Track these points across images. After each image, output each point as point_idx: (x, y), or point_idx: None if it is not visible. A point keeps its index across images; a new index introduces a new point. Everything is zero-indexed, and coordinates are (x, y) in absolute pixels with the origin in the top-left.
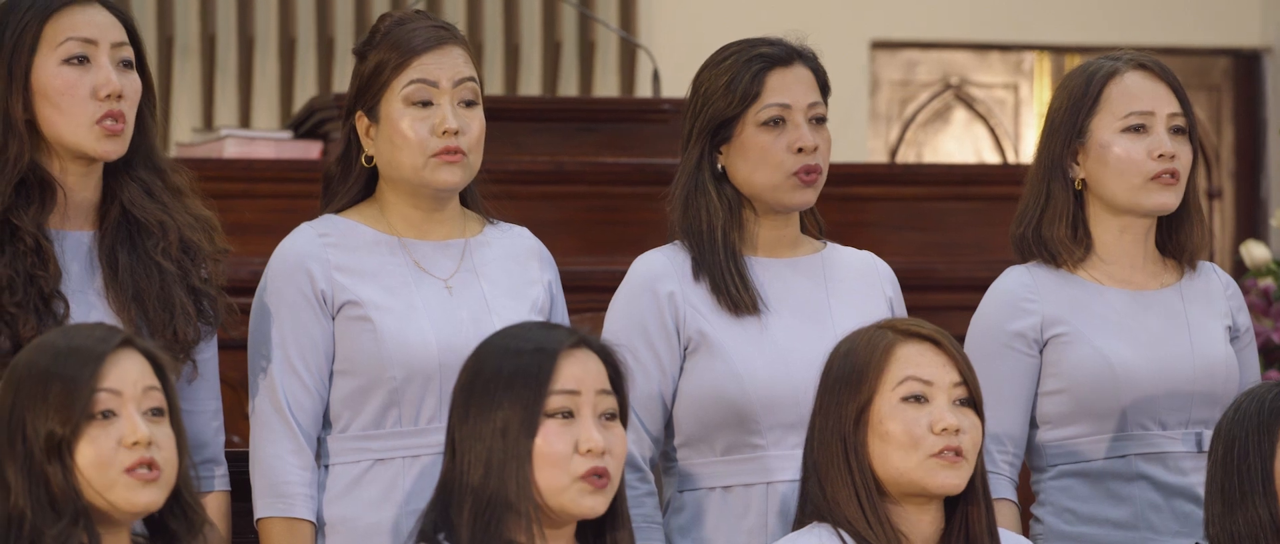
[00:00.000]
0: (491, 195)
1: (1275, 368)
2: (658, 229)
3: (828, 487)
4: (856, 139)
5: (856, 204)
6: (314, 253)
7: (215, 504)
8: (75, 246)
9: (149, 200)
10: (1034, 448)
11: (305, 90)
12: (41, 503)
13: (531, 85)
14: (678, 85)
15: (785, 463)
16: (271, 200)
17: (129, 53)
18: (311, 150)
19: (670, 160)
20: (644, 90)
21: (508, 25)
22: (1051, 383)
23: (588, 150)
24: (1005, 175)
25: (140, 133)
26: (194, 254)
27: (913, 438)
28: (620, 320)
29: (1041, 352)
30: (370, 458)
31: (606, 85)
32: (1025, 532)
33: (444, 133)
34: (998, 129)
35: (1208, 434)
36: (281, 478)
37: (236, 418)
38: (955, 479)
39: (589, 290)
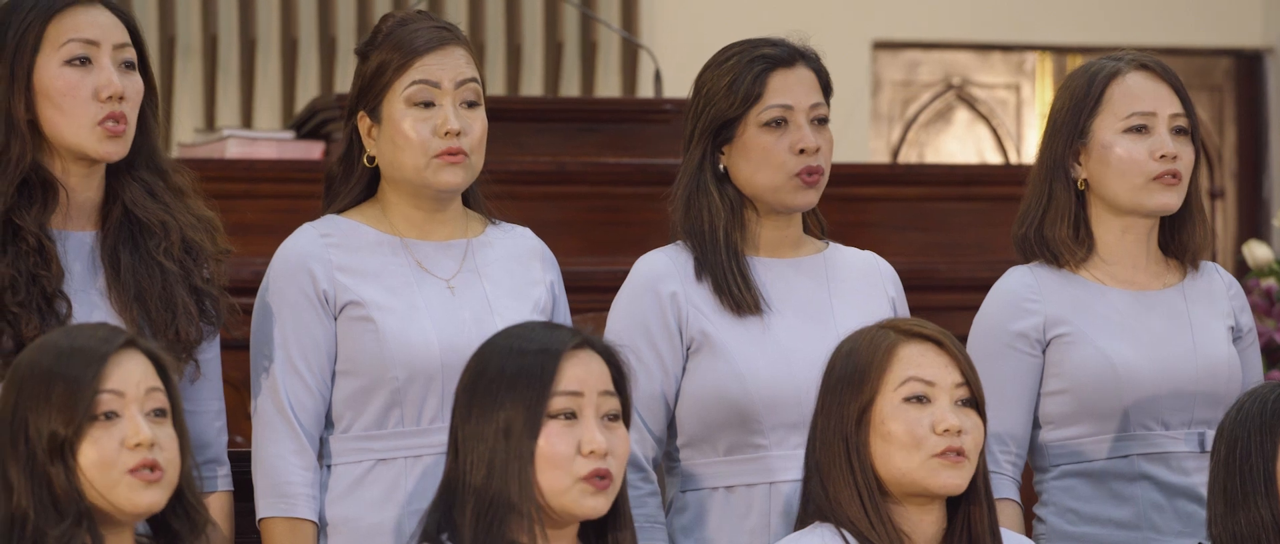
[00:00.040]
0: (494, 196)
1: (1278, 368)
2: (660, 229)
3: (830, 487)
4: (858, 139)
5: (858, 204)
6: (316, 253)
7: (218, 504)
8: (78, 247)
9: (151, 201)
10: (1036, 448)
11: (307, 91)
12: (44, 504)
13: (533, 85)
14: (680, 86)
15: (788, 463)
16: (273, 201)
17: (131, 54)
18: (313, 151)
19: (672, 161)
20: (646, 91)
21: (510, 25)
22: (1054, 383)
23: (590, 150)
24: (1007, 176)
25: (142, 133)
26: (196, 254)
27: (915, 438)
28: (623, 320)
29: (1044, 352)
30: (372, 458)
31: (608, 86)
32: (1028, 532)
33: (446, 134)
34: (1000, 129)
35: (1210, 434)
36: (283, 478)
37: (239, 418)
38: (957, 479)
39: (591, 290)
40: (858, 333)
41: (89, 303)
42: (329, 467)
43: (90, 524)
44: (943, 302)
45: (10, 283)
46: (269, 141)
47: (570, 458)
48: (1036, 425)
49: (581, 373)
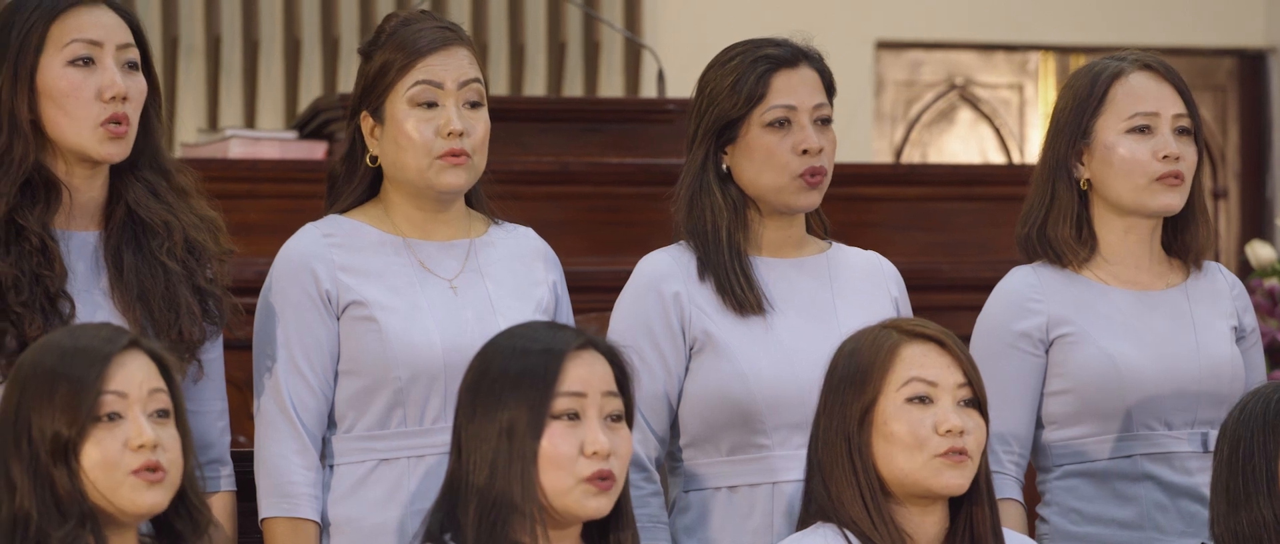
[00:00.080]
0: (496, 195)
1: None
2: (663, 229)
3: (832, 486)
4: (861, 139)
5: (861, 204)
6: (319, 253)
7: (221, 504)
8: (81, 247)
9: (154, 201)
10: (1039, 448)
11: (310, 91)
12: (47, 505)
13: (536, 85)
14: (683, 86)
15: (791, 463)
16: (276, 201)
17: (134, 54)
18: (316, 151)
19: (675, 160)
20: (649, 90)
21: (513, 25)
22: (1057, 383)
23: (593, 150)
24: (1010, 175)
25: (146, 134)
26: (199, 254)
27: (917, 439)
28: (625, 321)
29: (1047, 352)
30: (375, 458)
31: (611, 85)
32: (1031, 532)
33: (449, 134)
34: (1003, 129)
35: (1213, 434)
36: (286, 478)
37: (242, 418)
38: (960, 480)
39: (594, 290)
40: (860, 333)
41: (92, 303)
42: (331, 467)
43: (93, 525)
44: (946, 301)
45: (13, 283)
46: (272, 141)
47: (573, 459)
48: (1039, 425)
49: (585, 374)
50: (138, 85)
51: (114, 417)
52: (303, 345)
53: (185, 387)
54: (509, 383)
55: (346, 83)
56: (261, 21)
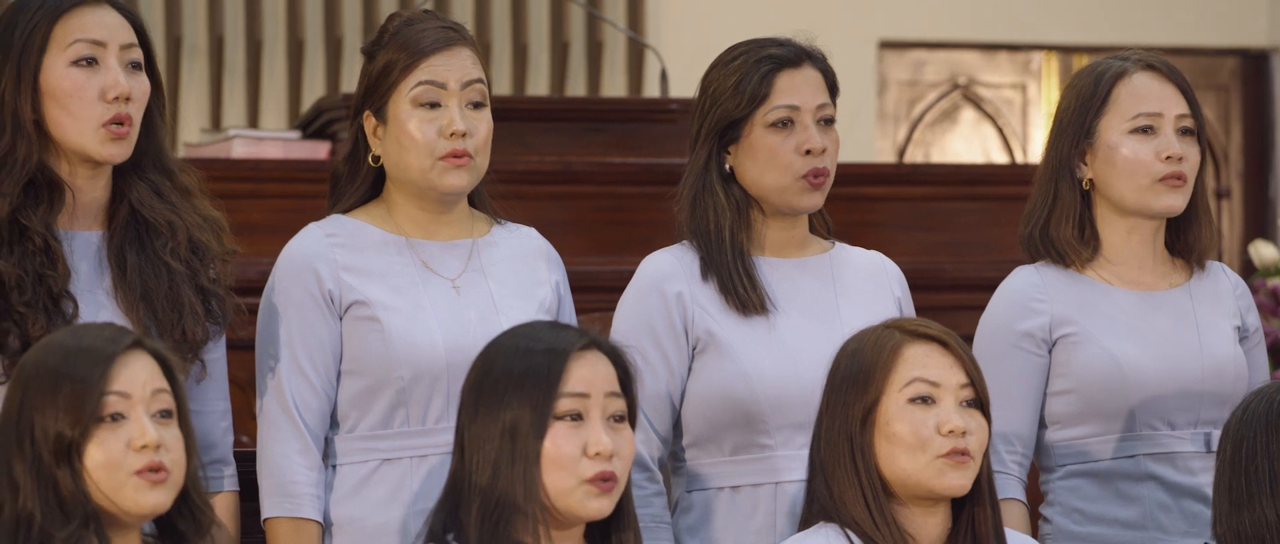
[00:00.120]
0: (499, 195)
1: None
2: (666, 229)
3: (834, 486)
4: (864, 139)
5: (864, 204)
6: (321, 253)
7: (224, 504)
8: (84, 246)
9: (158, 200)
10: (1043, 448)
11: (313, 91)
12: (51, 505)
13: (539, 85)
14: (686, 85)
15: (793, 463)
16: (279, 200)
17: (138, 54)
18: (319, 150)
19: (678, 160)
20: (652, 90)
21: (516, 25)
22: (1060, 383)
23: (596, 150)
24: (1013, 175)
25: (149, 134)
26: (202, 254)
27: (920, 439)
28: (628, 320)
29: (1050, 352)
30: (378, 458)
31: (614, 85)
32: (1034, 532)
33: (451, 135)
34: (1006, 129)
35: (1216, 434)
36: (288, 478)
37: (245, 418)
38: (962, 481)
39: (597, 290)
40: (863, 332)
41: (95, 303)
42: (334, 466)
43: (97, 526)
44: (949, 301)
45: (17, 283)
46: (275, 141)
47: (576, 459)
48: (1043, 425)
49: (588, 374)
50: (141, 85)
51: (117, 417)
52: (305, 345)
53: (188, 386)
54: (512, 383)
55: (349, 83)
56: (264, 21)
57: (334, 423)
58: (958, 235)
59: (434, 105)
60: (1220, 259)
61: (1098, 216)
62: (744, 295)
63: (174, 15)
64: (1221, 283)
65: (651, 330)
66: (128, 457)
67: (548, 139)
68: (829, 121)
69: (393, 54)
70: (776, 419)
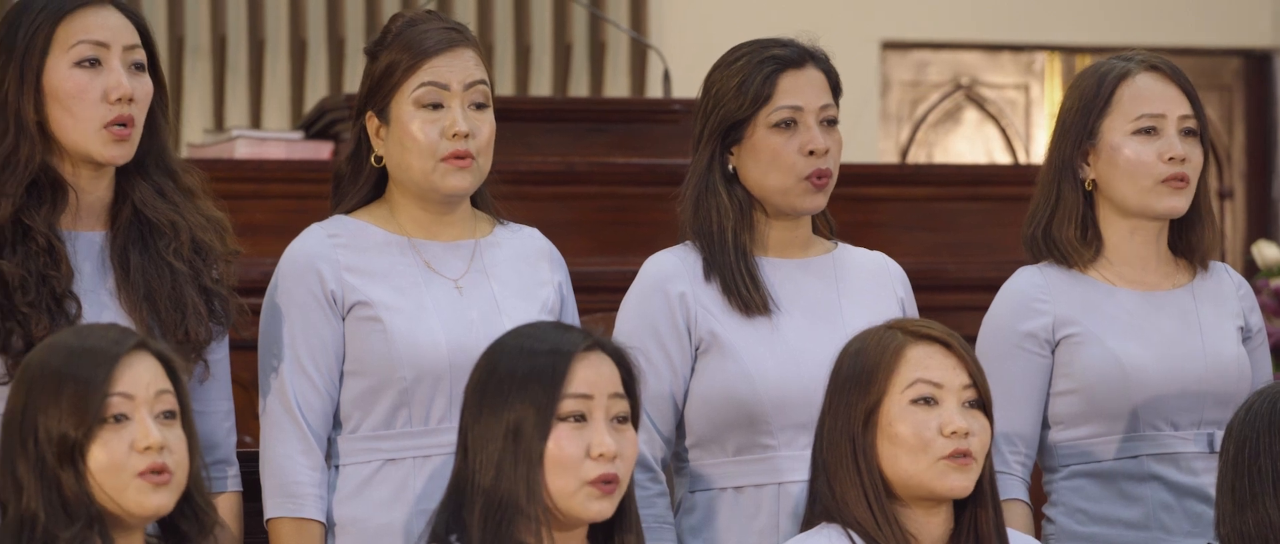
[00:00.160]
0: (502, 196)
1: None
2: (668, 230)
3: (836, 487)
4: (867, 140)
5: (867, 204)
6: (324, 253)
7: (227, 505)
8: (87, 247)
9: (161, 201)
10: (1046, 448)
11: (316, 91)
12: (55, 506)
13: (542, 86)
14: (688, 86)
15: (796, 463)
16: (282, 201)
17: (141, 55)
18: (322, 151)
19: (681, 161)
20: (655, 91)
21: (518, 26)
22: (1063, 383)
23: (598, 151)
24: (1016, 176)
25: (152, 134)
26: (205, 254)
27: (922, 440)
28: (631, 321)
29: (1053, 352)
30: (381, 458)
31: (617, 86)
32: (1037, 532)
33: (454, 136)
34: (1009, 129)
35: (1219, 435)
36: (291, 478)
37: (247, 418)
38: (964, 483)
39: (600, 291)
40: (865, 333)
41: (98, 303)
42: (337, 467)
43: (101, 527)
44: (951, 302)
45: (20, 283)
46: (278, 142)
47: (579, 461)
48: (1046, 426)
49: (592, 376)
50: (144, 87)
51: (121, 418)
52: (308, 346)
53: (191, 387)
54: (516, 384)
55: (352, 83)
56: (267, 21)
57: (337, 423)
58: (960, 236)
59: (437, 106)
60: (1223, 260)
61: (1100, 217)
62: (747, 296)
63: (176, 15)
64: (1224, 283)
65: (654, 331)
66: (131, 458)
67: (550, 139)
68: (832, 122)
69: (396, 55)
70: (779, 420)
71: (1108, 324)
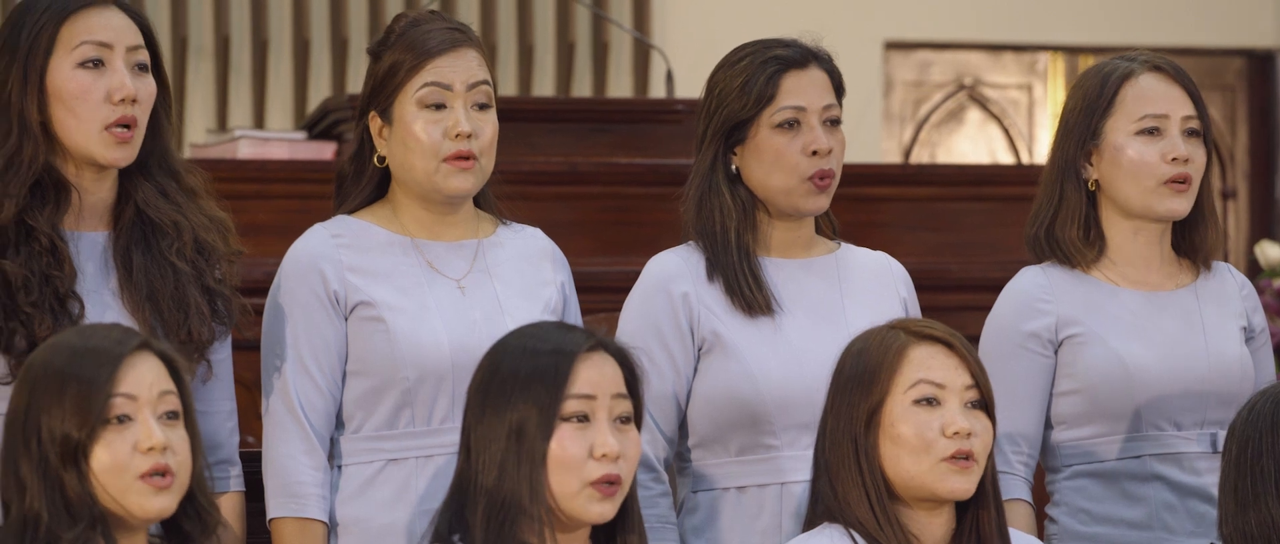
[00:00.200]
0: (505, 196)
1: None
2: (671, 230)
3: (839, 487)
4: (870, 140)
5: (870, 204)
6: (327, 253)
7: (230, 505)
8: (90, 247)
9: (163, 201)
10: (1049, 448)
11: (319, 91)
12: (57, 507)
13: (545, 86)
14: (691, 86)
15: (799, 463)
16: (285, 201)
17: (144, 56)
18: (325, 151)
19: (684, 161)
20: (658, 91)
21: (521, 26)
22: (1066, 383)
23: (601, 151)
24: (1019, 176)
25: (155, 134)
26: (208, 254)
27: (924, 441)
28: (634, 321)
29: (1056, 352)
30: (383, 458)
31: (620, 86)
32: (1040, 532)
33: (457, 136)
34: (1012, 129)
35: (1222, 435)
36: (294, 478)
37: (251, 418)
38: (965, 484)
39: (603, 291)
40: (868, 333)
41: (102, 303)
42: (340, 467)
43: (104, 528)
44: (954, 302)
45: (23, 283)
46: (281, 142)
47: (582, 461)
48: (1049, 426)
49: (595, 376)
50: (147, 87)
51: (123, 419)
52: (311, 346)
53: (194, 387)
54: (519, 384)
55: (355, 83)
56: (270, 22)
57: (339, 423)
58: (963, 236)
59: (439, 106)
60: (1226, 260)
61: (1103, 217)
62: (750, 296)
63: (180, 16)
64: (1227, 283)
65: (657, 331)
66: (134, 459)
67: (553, 140)
68: (835, 122)
69: (399, 55)
70: (782, 420)
71: (1111, 324)
